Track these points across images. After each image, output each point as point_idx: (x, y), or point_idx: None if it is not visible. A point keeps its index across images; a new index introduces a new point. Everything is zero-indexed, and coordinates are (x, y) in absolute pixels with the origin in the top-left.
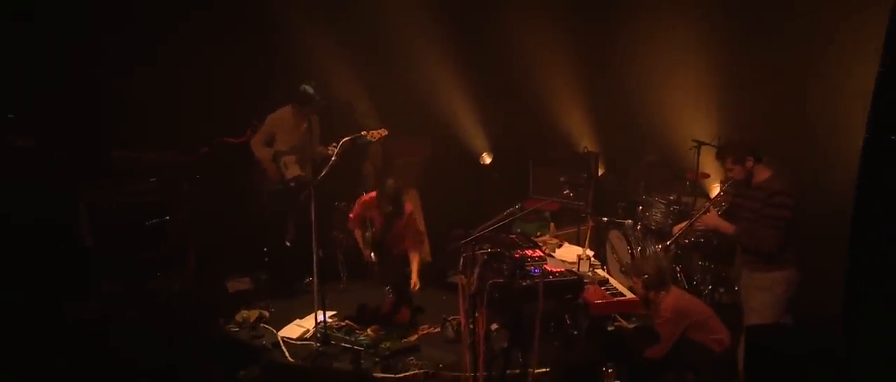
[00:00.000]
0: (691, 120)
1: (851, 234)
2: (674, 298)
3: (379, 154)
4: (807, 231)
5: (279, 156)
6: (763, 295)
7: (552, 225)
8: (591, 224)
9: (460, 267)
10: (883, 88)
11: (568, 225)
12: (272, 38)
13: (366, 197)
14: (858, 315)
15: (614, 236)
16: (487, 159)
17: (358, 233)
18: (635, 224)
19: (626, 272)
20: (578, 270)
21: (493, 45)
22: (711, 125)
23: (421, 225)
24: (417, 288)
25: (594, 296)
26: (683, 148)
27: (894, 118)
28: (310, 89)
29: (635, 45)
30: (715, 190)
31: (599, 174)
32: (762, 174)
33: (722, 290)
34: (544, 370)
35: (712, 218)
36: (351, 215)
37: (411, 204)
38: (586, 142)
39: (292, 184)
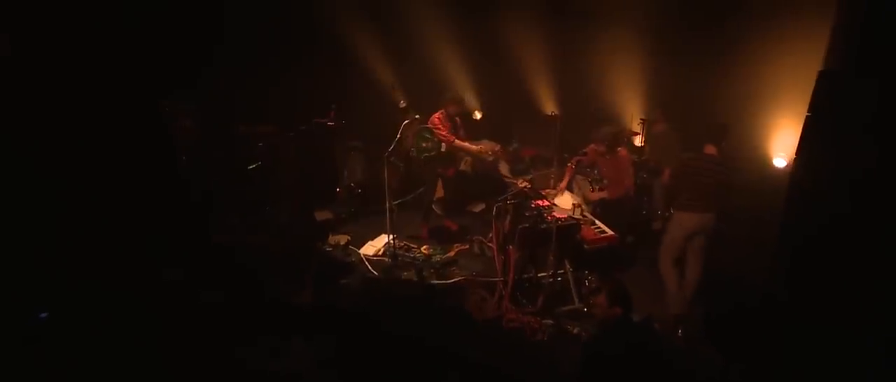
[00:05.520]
0: (633, 97)
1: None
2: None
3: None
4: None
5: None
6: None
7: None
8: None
9: (494, 214)
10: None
11: (541, 168)
12: (339, 52)
13: (437, 114)
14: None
15: (579, 179)
16: (478, 115)
17: (460, 141)
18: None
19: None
20: (574, 215)
21: (487, 36)
22: (646, 102)
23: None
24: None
25: (588, 234)
26: (626, 117)
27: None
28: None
29: (592, 41)
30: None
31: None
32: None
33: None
34: (548, 273)
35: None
36: (442, 130)
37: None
38: (552, 108)
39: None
